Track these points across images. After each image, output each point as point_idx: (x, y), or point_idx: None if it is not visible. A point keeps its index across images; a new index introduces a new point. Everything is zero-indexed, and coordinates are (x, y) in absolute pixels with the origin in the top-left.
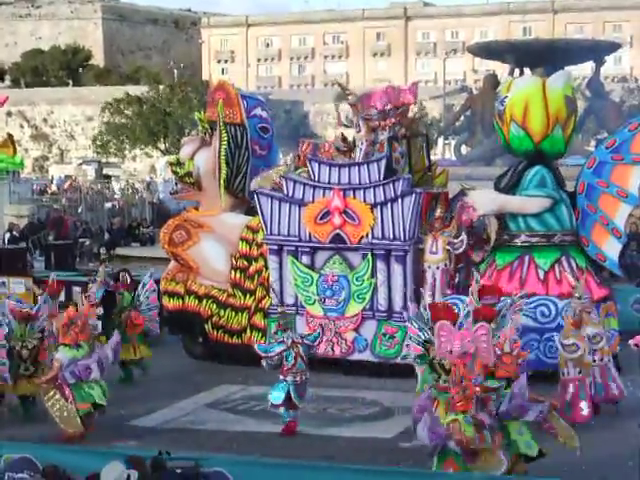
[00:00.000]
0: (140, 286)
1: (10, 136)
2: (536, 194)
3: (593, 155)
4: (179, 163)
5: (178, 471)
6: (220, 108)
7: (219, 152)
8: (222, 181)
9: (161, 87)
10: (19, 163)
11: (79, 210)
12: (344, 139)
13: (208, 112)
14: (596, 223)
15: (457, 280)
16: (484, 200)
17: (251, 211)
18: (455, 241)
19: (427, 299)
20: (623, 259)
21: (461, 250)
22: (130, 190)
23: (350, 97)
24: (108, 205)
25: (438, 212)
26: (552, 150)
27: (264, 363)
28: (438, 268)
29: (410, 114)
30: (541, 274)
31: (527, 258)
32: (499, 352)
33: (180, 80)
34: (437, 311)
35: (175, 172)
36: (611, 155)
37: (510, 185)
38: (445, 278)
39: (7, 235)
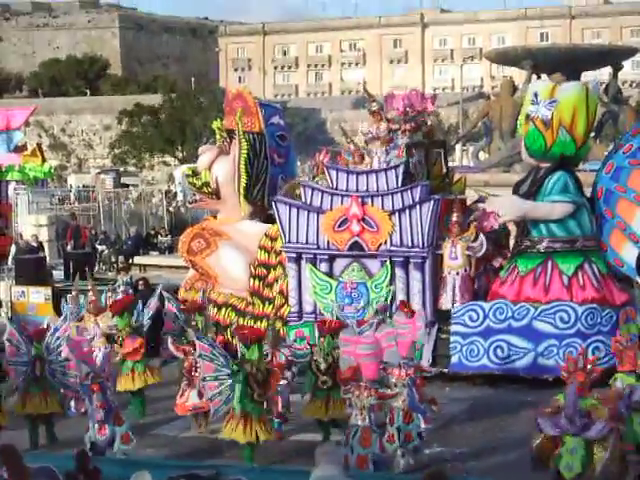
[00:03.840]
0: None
1: (39, 145)
2: (560, 199)
3: (611, 160)
4: (195, 174)
5: None
6: (239, 117)
7: (239, 161)
8: (242, 189)
9: (174, 95)
10: (48, 172)
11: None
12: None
13: (226, 121)
14: (614, 228)
15: (477, 286)
16: (509, 206)
17: (269, 219)
18: (475, 245)
19: (447, 305)
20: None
21: (481, 254)
22: (146, 199)
23: (373, 104)
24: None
25: (454, 217)
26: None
27: None
28: (458, 274)
29: (428, 122)
30: (565, 280)
31: (550, 264)
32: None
33: (197, 89)
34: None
35: (192, 183)
36: (628, 160)
37: (533, 191)
38: (465, 284)
39: (13, 247)
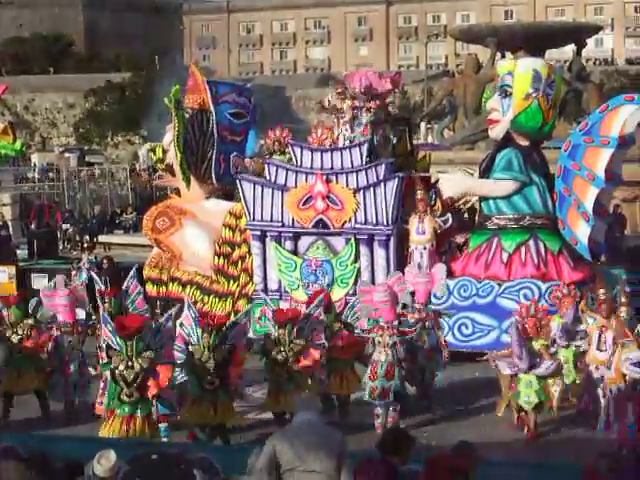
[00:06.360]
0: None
1: (10, 123)
2: (502, 177)
3: (569, 138)
4: (154, 150)
5: (154, 457)
6: (174, 94)
7: (174, 139)
8: (179, 167)
9: (141, 74)
10: (19, 150)
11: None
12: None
13: (185, 99)
14: (570, 206)
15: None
16: (449, 184)
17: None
18: (441, 220)
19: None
20: (608, 241)
21: (447, 226)
22: (109, 177)
23: (338, 87)
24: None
25: (419, 195)
26: None
27: None
28: (425, 248)
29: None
30: (505, 257)
31: (495, 241)
32: None
33: (161, 67)
34: None
35: (151, 158)
36: (583, 137)
37: (485, 169)
38: (431, 258)
39: None
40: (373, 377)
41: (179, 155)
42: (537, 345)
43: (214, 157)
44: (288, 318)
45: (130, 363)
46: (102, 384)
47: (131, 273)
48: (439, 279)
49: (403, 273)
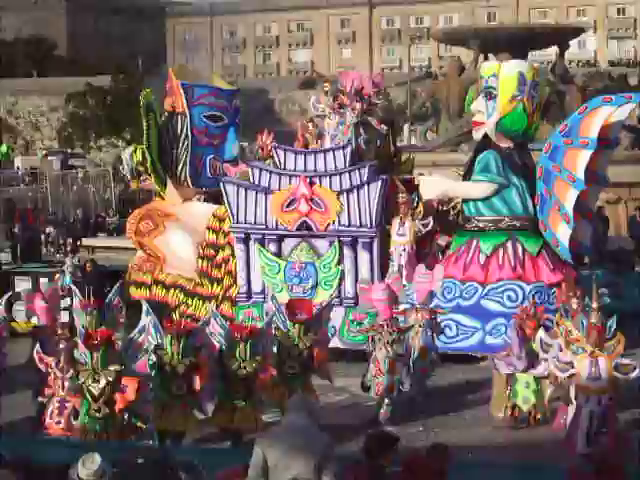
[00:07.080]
0: None
1: None
2: (479, 179)
3: (549, 140)
4: (136, 151)
5: (141, 460)
6: (144, 98)
7: (144, 142)
8: (150, 170)
9: (122, 77)
10: (5, 153)
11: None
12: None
13: (165, 102)
14: (551, 209)
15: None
16: (428, 186)
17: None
18: (423, 222)
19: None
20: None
21: (429, 228)
22: (93, 180)
23: (326, 84)
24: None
25: (401, 199)
26: None
27: None
28: (404, 250)
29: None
30: (482, 259)
31: (474, 242)
32: None
33: (144, 70)
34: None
35: (133, 160)
36: (563, 139)
37: (467, 171)
38: (411, 260)
39: None
40: (379, 373)
41: (149, 159)
42: (535, 345)
43: (189, 160)
44: (248, 334)
45: (97, 377)
46: (57, 403)
47: (115, 288)
48: (438, 279)
49: (384, 276)
